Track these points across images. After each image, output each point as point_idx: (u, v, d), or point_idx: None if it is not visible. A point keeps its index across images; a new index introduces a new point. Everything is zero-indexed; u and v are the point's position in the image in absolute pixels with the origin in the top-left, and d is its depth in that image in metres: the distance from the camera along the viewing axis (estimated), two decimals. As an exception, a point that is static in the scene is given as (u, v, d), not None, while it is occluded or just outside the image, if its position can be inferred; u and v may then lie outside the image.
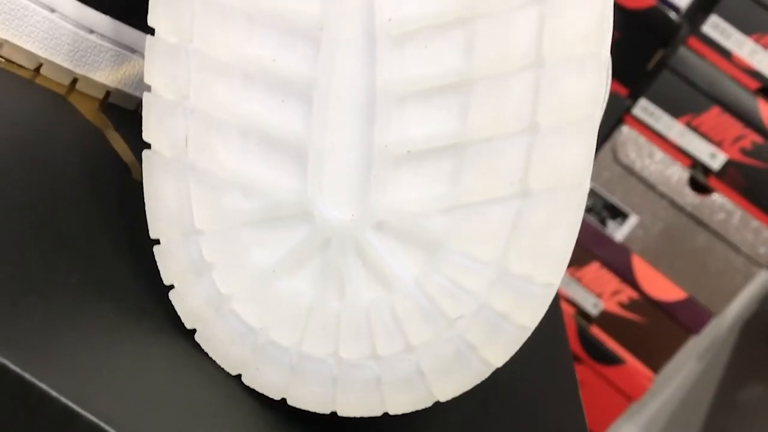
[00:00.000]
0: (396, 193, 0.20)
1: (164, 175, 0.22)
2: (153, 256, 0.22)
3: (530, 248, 0.19)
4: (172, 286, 0.22)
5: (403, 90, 0.20)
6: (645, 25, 0.85)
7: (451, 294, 0.20)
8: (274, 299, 0.21)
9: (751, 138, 0.84)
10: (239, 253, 0.21)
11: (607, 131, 0.88)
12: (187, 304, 0.22)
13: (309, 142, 0.21)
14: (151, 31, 0.22)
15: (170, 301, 0.22)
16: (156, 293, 0.22)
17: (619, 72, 0.88)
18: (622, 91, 0.87)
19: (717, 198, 0.85)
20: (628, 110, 0.87)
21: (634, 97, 0.87)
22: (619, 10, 0.85)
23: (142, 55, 0.30)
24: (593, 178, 0.89)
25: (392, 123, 0.20)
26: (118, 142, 0.30)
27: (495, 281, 0.20)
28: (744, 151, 0.84)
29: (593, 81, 0.19)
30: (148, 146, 0.22)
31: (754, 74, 0.84)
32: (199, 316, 0.22)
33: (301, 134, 0.21)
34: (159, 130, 0.22)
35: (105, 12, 0.29)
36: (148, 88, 0.22)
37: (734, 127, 0.84)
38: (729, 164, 0.85)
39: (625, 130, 0.87)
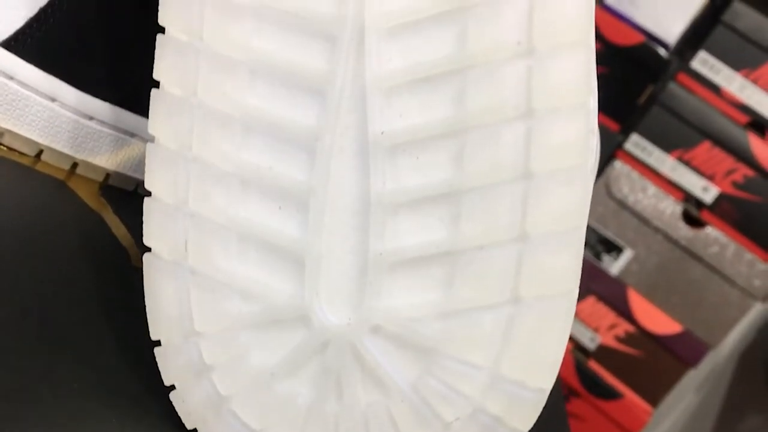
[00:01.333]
0: (391, 298, 0.21)
1: (164, 279, 0.22)
2: (153, 354, 0.23)
3: (522, 354, 0.20)
4: (173, 387, 0.23)
5: (396, 200, 0.20)
6: (634, 62, 0.86)
7: (446, 398, 0.20)
8: (273, 401, 0.22)
9: (743, 171, 0.85)
10: (239, 355, 0.22)
11: (600, 166, 0.89)
12: (187, 404, 0.22)
13: (306, 248, 0.21)
14: (151, 138, 0.23)
15: (171, 402, 0.23)
16: (157, 393, 0.23)
17: (610, 108, 0.89)
18: (614, 126, 0.88)
19: (711, 231, 0.86)
20: (620, 145, 0.88)
21: (625, 133, 0.88)
22: (608, 46, 0.87)
23: (142, 139, 0.31)
24: (587, 213, 0.90)
25: (386, 231, 0.21)
26: (117, 226, 0.30)
27: (489, 386, 0.20)
28: (736, 185, 0.85)
29: (580, 193, 0.20)
30: (148, 249, 0.23)
31: (744, 108, 0.85)
32: (200, 417, 0.22)
33: (298, 240, 0.21)
34: (159, 234, 0.22)
35: (105, 99, 0.29)
36: (149, 194, 0.23)
37: (725, 161, 0.85)
38: (721, 197, 0.86)
39: (618, 165, 0.88)
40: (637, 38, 0.86)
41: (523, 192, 0.20)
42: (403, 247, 0.20)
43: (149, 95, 0.22)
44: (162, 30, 0.21)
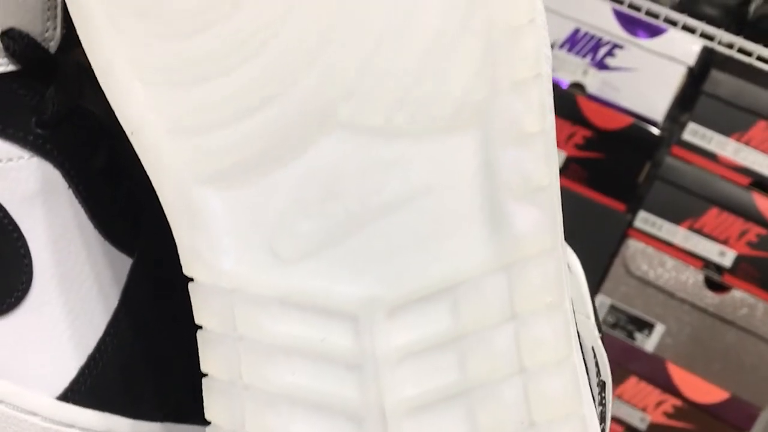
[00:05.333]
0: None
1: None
2: None
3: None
4: None
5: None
6: (627, 143, 0.89)
7: None
8: None
9: (755, 231, 0.86)
10: None
11: (614, 248, 0.90)
12: None
13: None
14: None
15: None
16: None
17: (612, 190, 0.92)
18: (620, 207, 0.90)
19: (736, 294, 0.87)
20: (630, 224, 0.90)
21: (632, 212, 0.90)
22: (598, 132, 0.90)
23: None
24: (611, 295, 0.91)
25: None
26: None
27: None
28: (751, 245, 0.86)
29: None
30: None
31: (743, 170, 0.87)
32: None
33: None
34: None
35: (155, 420, 0.28)
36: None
37: (736, 224, 0.87)
38: (740, 259, 0.87)
39: (632, 244, 0.90)
40: (625, 121, 0.88)
41: None
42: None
43: (194, 403, 0.24)
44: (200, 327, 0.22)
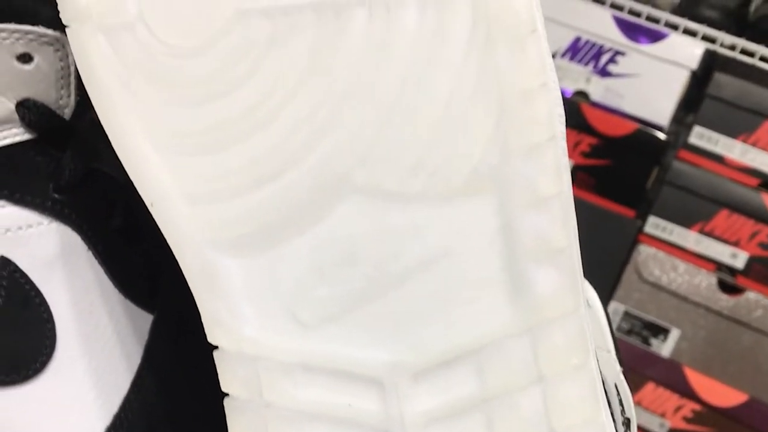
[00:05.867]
0: None
1: None
2: None
3: None
4: None
5: None
6: (633, 149, 0.89)
7: None
8: None
9: (767, 231, 0.86)
10: None
11: (626, 254, 0.90)
12: None
13: None
14: None
15: None
16: None
17: (621, 196, 0.92)
18: (630, 213, 0.90)
19: (750, 295, 0.87)
20: (640, 230, 0.89)
21: (642, 217, 0.90)
22: (604, 139, 0.89)
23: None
24: (625, 301, 0.91)
25: None
26: None
27: None
28: (763, 246, 0.86)
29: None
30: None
31: (751, 171, 0.86)
32: None
33: None
34: None
35: None
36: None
37: (747, 225, 0.86)
38: (752, 260, 0.86)
39: (643, 249, 0.89)
40: (631, 127, 0.88)
41: None
42: None
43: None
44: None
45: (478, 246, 0.19)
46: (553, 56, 0.97)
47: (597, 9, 0.91)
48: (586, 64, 0.91)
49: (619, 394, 0.27)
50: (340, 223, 0.20)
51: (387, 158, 0.19)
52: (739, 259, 0.87)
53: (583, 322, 0.19)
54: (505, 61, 0.18)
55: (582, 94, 0.92)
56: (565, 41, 0.91)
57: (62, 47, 0.24)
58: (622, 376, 0.29)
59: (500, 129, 0.18)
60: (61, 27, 0.23)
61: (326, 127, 0.20)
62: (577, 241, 0.19)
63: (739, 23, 0.89)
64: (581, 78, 0.91)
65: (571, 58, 0.92)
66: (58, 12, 0.22)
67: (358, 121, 0.20)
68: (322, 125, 0.20)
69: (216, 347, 0.21)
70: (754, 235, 0.86)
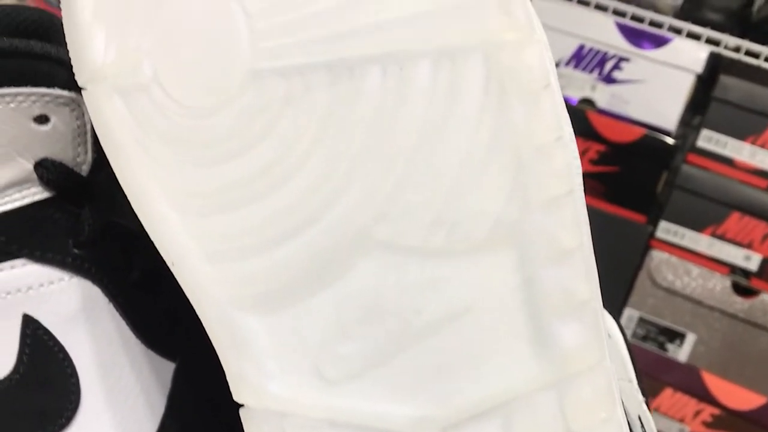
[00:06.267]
0: None
1: None
2: None
3: None
4: None
5: None
6: (642, 154, 0.89)
7: None
8: None
9: (779, 233, 0.86)
10: None
11: (638, 260, 0.90)
12: None
13: None
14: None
15: None
16: None
17: (632, 202, 0.91)
18: (641, 219, 0.90)
19: (765, 297, 0.86)
20: (652, 235, 0.89)
21: (653, 222, 0.90)
22: (612, 146, 0.89)
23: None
24: (639, 307, 0.91)
25: None
26: None
27: None
28: (776, 247, 0.86)
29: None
30: None
31: (761, 173, 0.86)
32: None
33: None
34: None
35: None
36: None
37: (759, 227, 0.86)
38: (765, 262, 0.86)
39: (656, 254, 0.89)
40: (638, 132, 0.88)
41: None
42: None
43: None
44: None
45: (500, 300, 0.19)
46: (557, 65, 0.97)
47: (600, 16, 0.91)
48: (591, 71, 0.91)
49: (643, 426, 0.27)
50: (363, 279, 0.20)
51: (407, 214, 0.19)
52: (752, 261, 0.86)
53: (610, 373, 0.19)
54: (520, 116, 0.18)
55: (588, 102, 0.92)
56: (569, 49, 0.91)
57: (78, 107, 0.25)
58: (644, 406, 0.29)
59: (518, 183, 0.18)
60: (76, 88, 0.23)
61: (344, 185, 0.20)
62: (599, 291, 0.19)
63: (742, 25, 0.89)
64: (586, 86, 0.91)
65: (576, 66, 0.92)
66: (74, 74, 0.23)
67: (376, 178, 0.20)
68: (339, 182, 0.20)
69: (242, 405, 0.22)
70: (766, 236, 0.86)
